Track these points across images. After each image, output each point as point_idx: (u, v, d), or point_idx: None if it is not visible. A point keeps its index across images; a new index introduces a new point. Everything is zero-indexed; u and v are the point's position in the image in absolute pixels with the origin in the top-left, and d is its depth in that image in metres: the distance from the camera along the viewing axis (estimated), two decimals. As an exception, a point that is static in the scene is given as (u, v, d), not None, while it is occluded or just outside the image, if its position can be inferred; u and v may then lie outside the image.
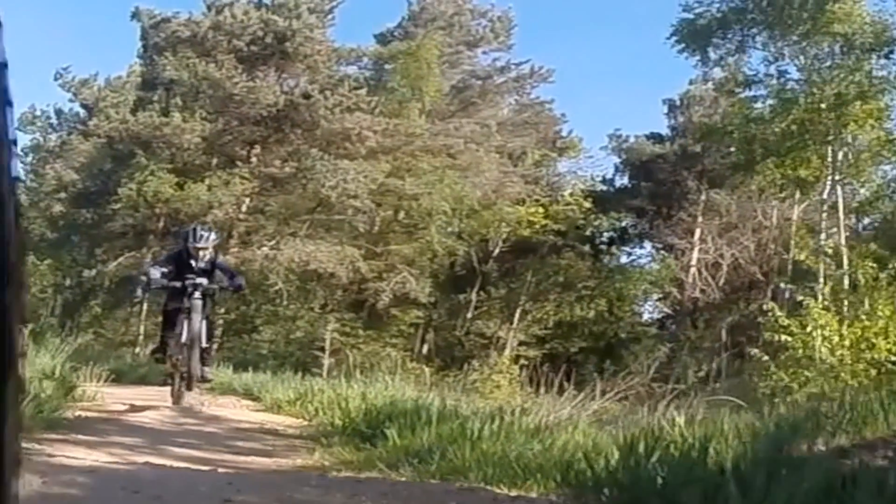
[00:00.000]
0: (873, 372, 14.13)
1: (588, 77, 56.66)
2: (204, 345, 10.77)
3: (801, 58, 28.11)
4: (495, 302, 38.12)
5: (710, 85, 35.62)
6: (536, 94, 39.74)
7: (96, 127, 31.40)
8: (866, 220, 34.88)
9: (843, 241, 25.43)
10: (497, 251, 37.57)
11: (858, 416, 5.83)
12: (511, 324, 37.01)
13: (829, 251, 17.93)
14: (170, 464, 6.23)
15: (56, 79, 33.26)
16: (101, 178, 32.58)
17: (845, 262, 19.75)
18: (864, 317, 14.81)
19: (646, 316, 42.67)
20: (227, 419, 10.28)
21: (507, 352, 32.76)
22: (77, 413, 9.00)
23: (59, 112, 37.68)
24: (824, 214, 27.80)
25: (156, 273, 10.84)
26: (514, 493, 5.08)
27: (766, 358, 14.56)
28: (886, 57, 27.28)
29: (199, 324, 10.59)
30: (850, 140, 27.68)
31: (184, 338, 10.56)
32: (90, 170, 33.39)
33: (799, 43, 27.81)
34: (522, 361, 22.24)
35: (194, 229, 11.42)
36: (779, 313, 14.67)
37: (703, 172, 38.37)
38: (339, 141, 31.92)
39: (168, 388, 11.35)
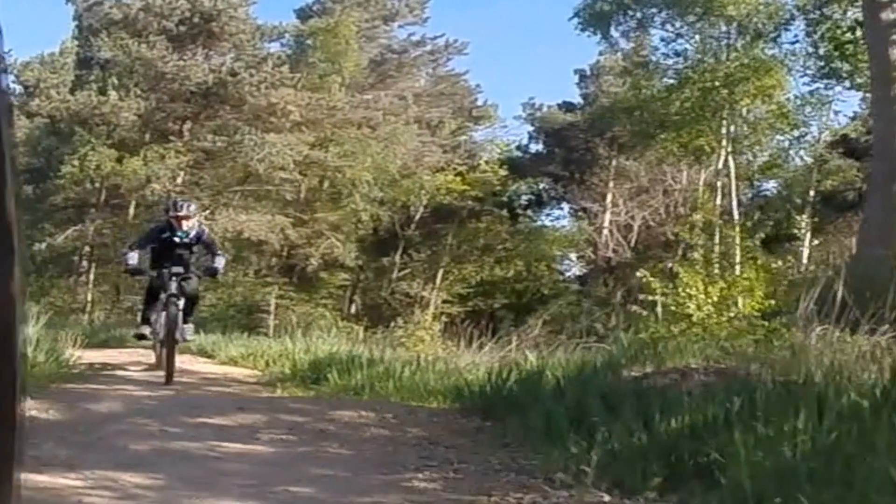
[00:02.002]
0: (737, 324, 16.31)
1: (502, 47, 57.66)
2: (181, 328, 10.20)
3: (697, 38, 29.77)
4: (418, 264, 39.07)
5: (619, 55, 37.32)
6: (451, 65, 40.76)
7: (38, 107, 32.24)
8: (771, 184, 37.14)
9: (735, 208, 27.51)
10: (418, 217, 38.41)
11: (665, 353, 8.14)
12: (434, 284, 37.99)
13: (700, 225, 19.99)
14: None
15: (-1, 62, 33.86)
16: (44, 156, 33.43)
17: (737, 230, 21.74)
18: (728, 278, 17.03)
19: (568, 274, 43.83)
20: (196, 371, 12.21)
21: (430, 309, 32.89)
22: (74, 370, 10.91)
23: (-3, 89, 37.95)
24: (719, 183, 29.60)
25: (132, 259, 10.64)
26: (419, 404, 7.46)
27: (645, 313, 16.69)
28: (774, 40, 29.40)
29: (176, 321, 10.06)
30: (743, 114, 29.44)
31: (161, 334, 10.26)
32: (32, 147, 34.20)
33: (694, 24, 29.28)
34: (445, 318, 23.44)
35: (175, 201, 11.46)
36: (651, 278, 16.83)
37: (613, 140, 38.70)
38: (266, 115, 32.92)
39: (137, 349, 13.07)
